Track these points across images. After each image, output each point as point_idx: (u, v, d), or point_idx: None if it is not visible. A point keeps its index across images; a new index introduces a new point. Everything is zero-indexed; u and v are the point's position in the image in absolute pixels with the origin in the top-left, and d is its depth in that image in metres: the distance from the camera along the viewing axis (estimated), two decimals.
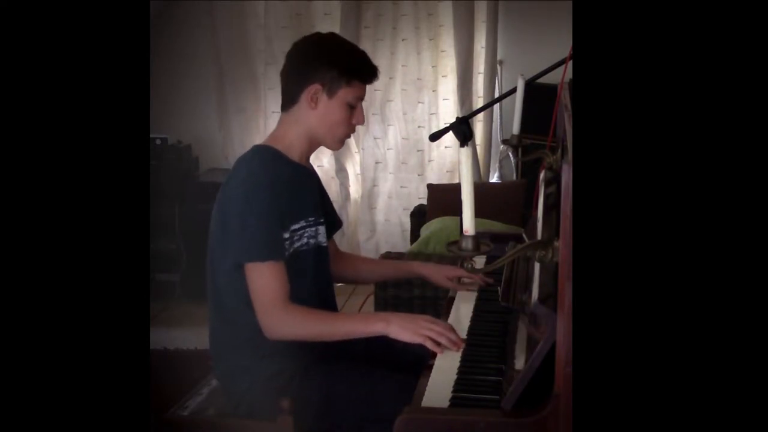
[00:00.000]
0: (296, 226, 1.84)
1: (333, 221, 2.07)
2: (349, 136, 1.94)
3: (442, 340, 1.70)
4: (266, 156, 1.85)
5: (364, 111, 1.94)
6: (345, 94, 1.85)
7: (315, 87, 1.84)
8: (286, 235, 1.81)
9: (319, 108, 1.85)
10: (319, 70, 1.84)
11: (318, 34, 1.97)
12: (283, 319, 1.76)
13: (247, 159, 1.85)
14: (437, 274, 2.15)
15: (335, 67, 1.83)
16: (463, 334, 1.78)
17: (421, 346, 1.72)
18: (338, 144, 1.93)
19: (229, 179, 1.85)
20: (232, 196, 1.80)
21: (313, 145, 1.92)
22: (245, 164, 1.83)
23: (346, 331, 1.81)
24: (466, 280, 2.15)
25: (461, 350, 1.70)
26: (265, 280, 1.76)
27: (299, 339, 1.80)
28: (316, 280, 1.92)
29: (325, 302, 1.96)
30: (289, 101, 1.89)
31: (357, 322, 1.84)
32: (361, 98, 1.89)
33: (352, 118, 1.88)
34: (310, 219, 1.89)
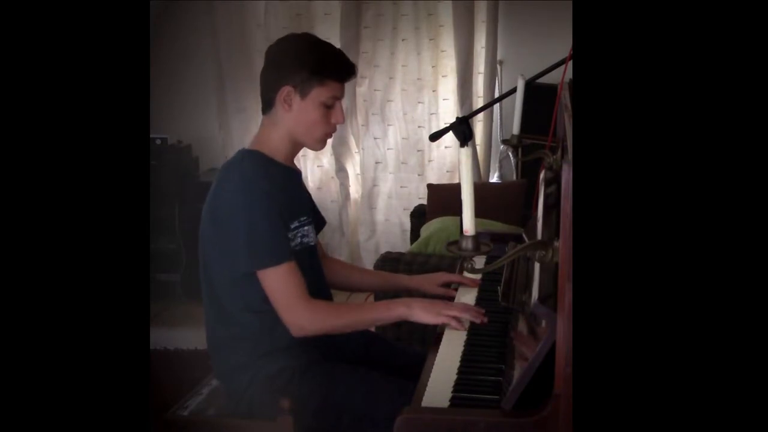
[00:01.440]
0: (293, 226, 1.85)
1: (317, 220, 2.07)
2: (330, 136, 1.92)
3: (466, 316, 1.78)
4: (255, 160, 1.84)
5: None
6: (318, 94, 1.83)
7: (287, 89, 1.83)
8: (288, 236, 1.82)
9: (293, 110, 1.84)
10: (289, 71, 1.83)
11: (291, 35, 1.94)
12: (309, 315, 1.78)
13: (236, 164, 1.84)
14: (426, 284, 2.15)
15: (305, 68, 1.82)
16: (464, 334, 1.78)
17: (422, 345, 1.73)
18: (319, 144, 1.91)
19: (219, 184, 1.83)
20: (231, 205, 1.79)
21: (296, 146, 1.92)
22: (236, 169, 1.82)
23: (372, 319, 1.87)
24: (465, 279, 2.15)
25: (485, 322, 1.78)
26: (283, 282, 1.77)
27: (326, 332, 1.82)
28: (311, 279, 1.92)
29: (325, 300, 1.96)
30: (266, 104, 1.89)
31: (380, 309, 1.88)
32: (338, 97, 1.87)
33: (331, 117, 1.87)
34: (302, 218, 1.90)
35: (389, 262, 3.34)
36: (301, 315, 1.77)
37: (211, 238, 1.84)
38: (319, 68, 1.82)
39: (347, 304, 1.90)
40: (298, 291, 1.77)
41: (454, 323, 1.77)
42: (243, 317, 1.82)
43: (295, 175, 1.95)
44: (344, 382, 1.81)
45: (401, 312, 1.79)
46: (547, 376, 1.33)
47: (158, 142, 4.20)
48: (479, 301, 2.03)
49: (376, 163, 4.55)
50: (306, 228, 1.91)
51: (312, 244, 1.94)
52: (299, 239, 1.87)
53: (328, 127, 1.88)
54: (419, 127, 4.49)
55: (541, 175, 2.20)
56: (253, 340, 1.82)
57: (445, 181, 4.42)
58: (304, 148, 1.96)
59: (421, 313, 1.78)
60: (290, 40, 1.91)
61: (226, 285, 1.83)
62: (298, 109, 1.84)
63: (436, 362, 1.66)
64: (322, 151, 4.44)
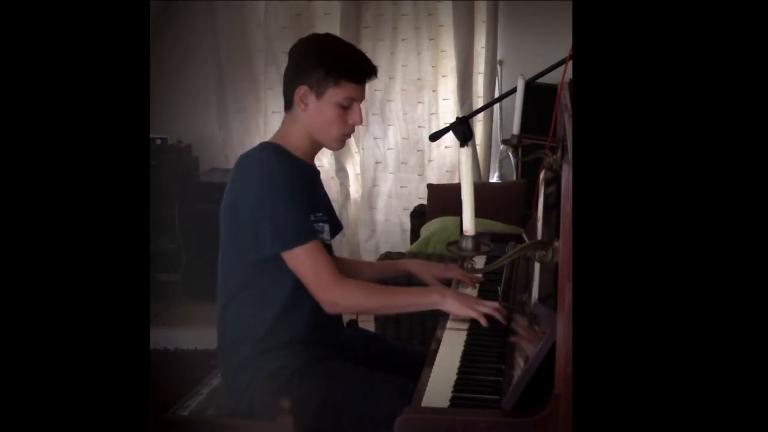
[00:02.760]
0: (311, 219, 1.85)
1: (334, 223, 2.07)
2: (348, 136, 1.92)
3: (497, 315, 1.77)
4: (275, 151, 1.84)
5: (365, 111, 1.94)
6: (333, 94, 1.83)
7: (303, 88, 1.84)
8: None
9: (309, 109, 1.85)
10: (307, 71, 1.84)
11: (313, 35, 1.96)
12: (343, 292, 1.78)
13: (255, 154, 1.84)
14: (425, 272, 2.14)
15: (321, 68, 1.82)
16: (464, 334, 1.79)
17: (422, 345, 1.73)
18: (336, 144, 1.92)
19: (238, 174, 1.83)
20: (251, 192, 1.79)
21: (315, 145, 1.92)
22: (255, 159, 1.82)
23: (406, 303, 1.87)
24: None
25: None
26: (313, 261, 1.77)
27: (360, 311, 1.86)
28: None
29: None
30: (287, 102, 1.90)
31: (414, 294, 1.88)
32: (354, 99, 1.86)
33: (348, 117, 1.86)
34: (318, 214, 1.90)
35: None
36: (335, 291, 1.78)
37: (229, 229, 1.84)
38: (335, 69, 1.82)
39: (382, 285, 1.90)
40: (329, 267, 1.78)
41: (483, 320, 1.76)
42: (257, 309, 1.82)
43: (313, 173, 1.96)
44: (344, 381, 1.81)
45: (435, 299, 1.81)
46: (547, 376, 1.33)
47: (158, 142, 4.20)
48: None
49: (376, 163, 4.55)
50: (321, 224, 1.90)
51: (327, 242, 1.94)
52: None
53: (344, 128, 1.88)
54: (419, 127, 4.49)
55: (541, 175, 2.20)
56: (257, 337, 1.82)
57: (445, 181, 4.42)
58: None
59: (454, 304, 1.79)
60: (311, 40, 1.93)
61: (243, 275, 1.83)
62: (313, 109, 1.85)
63: (436, 362, 1.66)
64: (322, 150, 4.46)
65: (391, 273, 2.27)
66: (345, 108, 1.85)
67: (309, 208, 1.85)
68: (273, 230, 1.76)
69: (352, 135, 1.94)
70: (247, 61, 4.52)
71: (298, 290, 1.80)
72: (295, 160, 1.87)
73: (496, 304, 1.82)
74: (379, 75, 1.91)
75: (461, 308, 1.78)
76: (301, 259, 1.77)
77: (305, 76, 1.84)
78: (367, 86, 1.92)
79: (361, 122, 1.91)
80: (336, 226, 2.08)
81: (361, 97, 1.89)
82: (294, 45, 1.92)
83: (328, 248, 1.94)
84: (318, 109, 1.85)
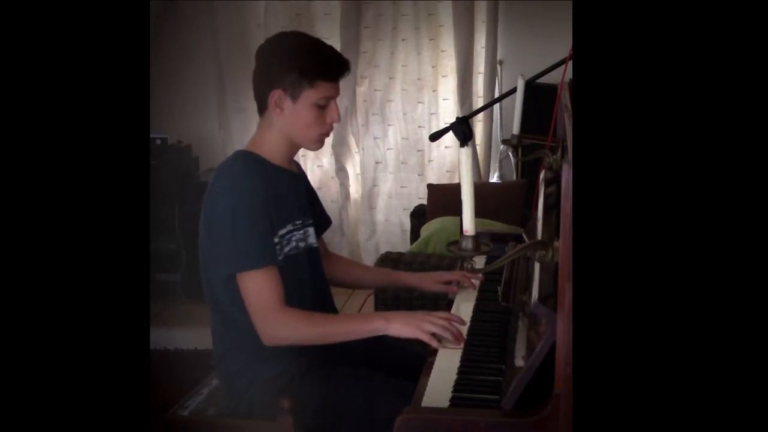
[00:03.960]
0: (283, 231, 1.83)
1: (321, 220, 2.05)
2: (327, 135, 1.89)
3: (447, 335, 1.70)
4: (248, 162, 1.82)
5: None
6: (309, 96, 1.79)
7: (277, 93, 1.80)
8: (275, 240, 1.79)
9: (285, 113, 1.82)
10: (279, 74, 1.80)
11: (280, 35, 1.91)
12: (279, 324, 1.74)
13: (228, 165, 1.83)
14: (425, 282, 2.12)
15: (294, 71, 1.78)
16: (464, 335, 1.78)
17: (421, 345, 1.72)
18: (315, 145, 1.88)
19: (212, 185, 1.82)
20: (219, 205, 1.77)
21: (292, 148, 1.89)
22: (228, 171, 1.81)
23: (346, 332, 1.78)
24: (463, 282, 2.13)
25: (462, 344, 1.69)
26: (258, 287, 1.74)
27: (297, 343, 1.77)
28: (312, 282, 1.91)
29: (323, 304, 1.95)
30: (260, 106, 1.87)
31: (356, 322, 1.82)
32: (331, 97, 1.82)
33: (326, 117, 1.83)
34: (297, 222, 1.87)
35: (389, 262, 3.34)
36: (271, 323, 1.73)
37: (205, 239, 1.83)
38: (308, 70, 1.78)
39: (323, 314, 1.85)
40: (272, 298, 1.73)
41: (434, 342, 1.70)
42: (242, 318, 1.80)
43: (291, 178, 1.91)
44: (344, 383, 1.80)
45: (379, 326, 1.73)
46: (547, 376, 1.33)
47: (158, 142, 4.20)
48: (479, 301, 2.03)
49: (376, 163, 4.55)
50: (301, 231, 1.88)
51: (313, 246, 1.92)
52: (294, 243, 1.86)
53: (323, 128, 1.85)
54: (419, 127, 4.49)
55: (541, 175, 2.19)
56: (255, 344, 1.80)
57: (445, 181, 4.42)
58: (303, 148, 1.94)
59: (399, 327, 1.71)
60: (279, 41, 1.88)
61: (223, 286, 1.81)
62: (290, 113, 1.82)
63: (436, 362, 1.66)
64: (322, 151, 4.47)
65: (389, 282, 2.25)
66: (322, 107, 1.82)
67: (282, 220, 1.82)
68: (231, 250, 1.74)
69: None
70: (247, 61, 4.48)
71: (291, 296, 1.77)
72: (270, 167, 1.84)
73: (446, 323, 1.72)
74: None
75: (408, 330, 1.70)
76: (250, 283, 1.73)
77: (278, 79, 1.80)
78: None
79: (339, 119, 1.87)
80: (324, 223, 2.06)
81: (337, 94, 1.86)
82: (261, 46, 1.87)
83: (313, 251, 1.92)
84: (294, 112, 1.81)
